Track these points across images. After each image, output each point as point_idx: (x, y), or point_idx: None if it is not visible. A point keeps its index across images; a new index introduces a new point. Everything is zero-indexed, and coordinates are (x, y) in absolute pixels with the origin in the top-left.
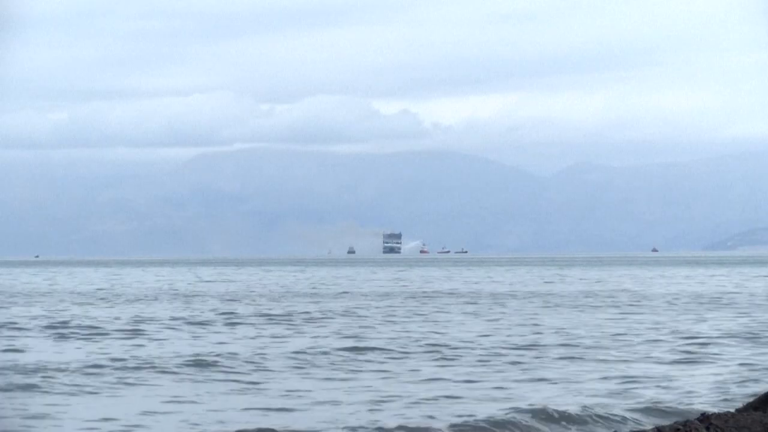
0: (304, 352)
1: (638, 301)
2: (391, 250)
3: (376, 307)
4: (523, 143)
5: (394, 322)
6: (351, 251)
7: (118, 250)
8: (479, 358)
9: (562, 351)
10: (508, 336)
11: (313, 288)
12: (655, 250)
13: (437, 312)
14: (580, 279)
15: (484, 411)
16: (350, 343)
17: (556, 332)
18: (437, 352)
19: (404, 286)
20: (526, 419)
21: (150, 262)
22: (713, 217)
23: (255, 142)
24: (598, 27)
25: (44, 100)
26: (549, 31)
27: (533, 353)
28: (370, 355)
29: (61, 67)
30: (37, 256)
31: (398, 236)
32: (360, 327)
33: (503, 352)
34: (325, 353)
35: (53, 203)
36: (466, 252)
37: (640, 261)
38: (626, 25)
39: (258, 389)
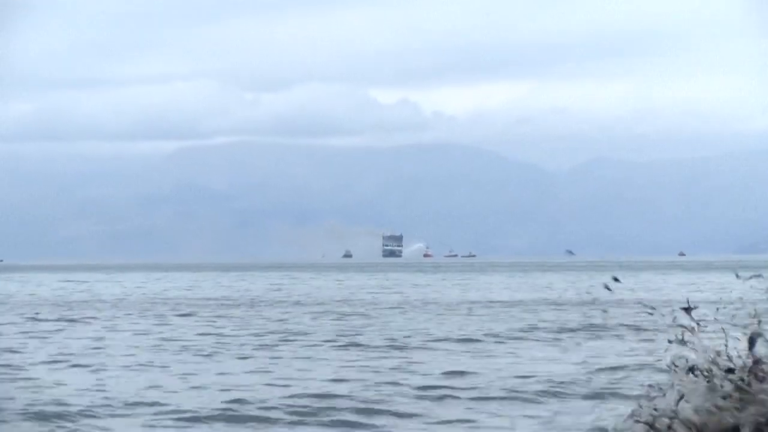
0: None
1: None
2: (392, 253)
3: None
4: (535, 136)
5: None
6: (347, 255)
7: (90, 254)
8: None
9: None
10: None
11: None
12: (682, 254)
13: None
14: None
15: None
16: None
17: None
18: None
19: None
20: None
21: (138, 267)
22: (743, 218)
23: (240, 134)
24: (618, 9)
25: (8, 89)
26: (563, 13)
27: None
28: None
29: (28, 54)
30: (0, 260)
31: (399, 238)
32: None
33: None
34: None
35: (18, 202)
36: (474, 256)
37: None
38: (648, 7)
39: None
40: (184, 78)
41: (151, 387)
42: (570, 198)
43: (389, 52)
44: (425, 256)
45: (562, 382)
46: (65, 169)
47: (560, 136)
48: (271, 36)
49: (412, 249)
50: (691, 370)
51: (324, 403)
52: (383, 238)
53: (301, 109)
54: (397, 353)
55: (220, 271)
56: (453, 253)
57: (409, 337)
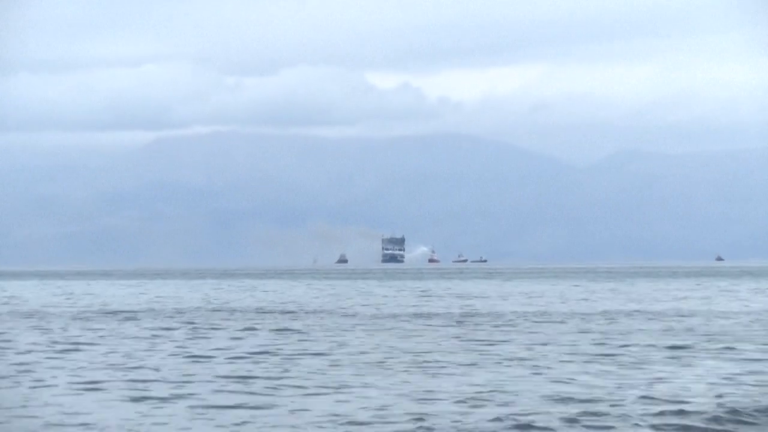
0: None
1: None
2: (393, 258)
3: None
4: (553, 126)
5: None
6: (342, 260)
7: (50, 259)
8: None
9: None
10: None
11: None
12: (720, 259)
13: None
14: None
15: None
16: None
17: None
18: None
19: None
20: None
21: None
22: None
23: (219, 124)
24: None
25: None
26: None
27: None
28: None
29: None
30: None
31: (401, 241)
32: None
33: None
34: None
35: None
36: (485, 261)
37: None
38: None
39: None
40: (157, 60)
41: None
42: (594, 195)
43: (388, 31)
44: (430, 261)
45: None
46: (20, 163)
47: (582, 126)
48: (255, 13)
49: (415, 253)
50: None
51: None
52: (383, 241)
53: (288, 96)
54: None
55: (187, 279)
56: (462, 258)
57: None
